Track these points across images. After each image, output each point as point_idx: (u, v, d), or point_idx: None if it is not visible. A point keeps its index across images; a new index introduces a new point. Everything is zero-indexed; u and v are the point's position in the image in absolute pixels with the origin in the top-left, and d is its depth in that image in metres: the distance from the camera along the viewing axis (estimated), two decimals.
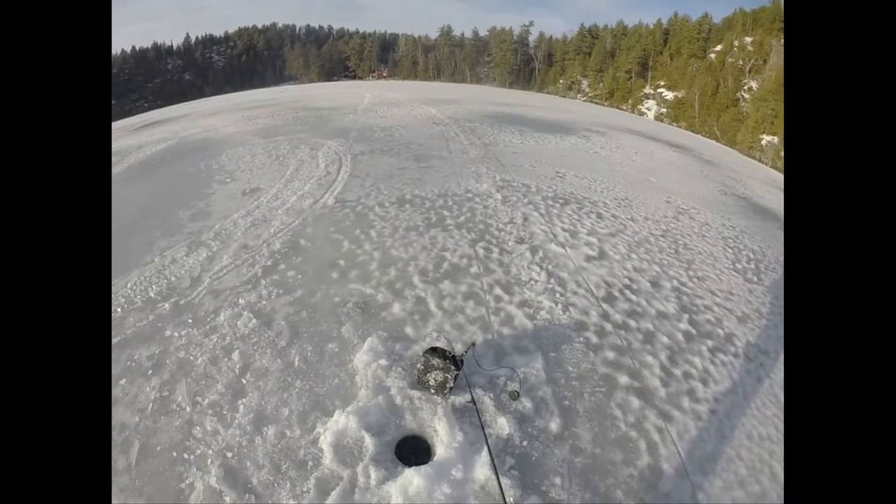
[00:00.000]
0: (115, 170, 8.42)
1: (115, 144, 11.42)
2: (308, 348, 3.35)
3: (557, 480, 2.61)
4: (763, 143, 24.70)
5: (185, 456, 2.61)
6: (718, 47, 36.87)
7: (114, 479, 2.46)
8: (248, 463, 2.59)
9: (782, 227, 8.43)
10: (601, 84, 44.79)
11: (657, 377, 3.49)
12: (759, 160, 19.46)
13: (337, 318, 3.66)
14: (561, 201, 6.82)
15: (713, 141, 22.67)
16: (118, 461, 2.58)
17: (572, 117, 17.68)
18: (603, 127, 16.45)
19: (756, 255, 6.44)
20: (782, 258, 6.65)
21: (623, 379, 3.41)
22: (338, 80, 57.91)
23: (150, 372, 3.12)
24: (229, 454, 2.63)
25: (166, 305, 3.74)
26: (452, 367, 2.90)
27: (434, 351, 2.99)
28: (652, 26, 44.01)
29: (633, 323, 4.08)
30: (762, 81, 28.85)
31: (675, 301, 4.61)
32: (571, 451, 2.77)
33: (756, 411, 3.41)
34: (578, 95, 45.16)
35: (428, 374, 2.95)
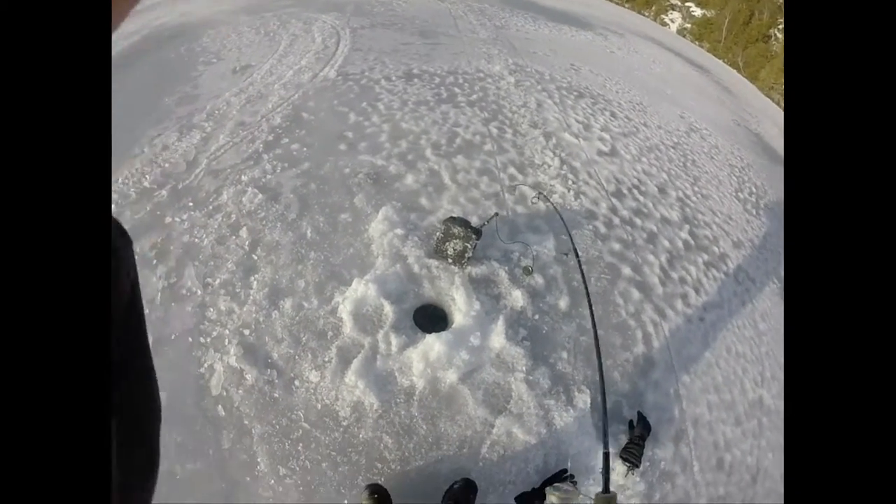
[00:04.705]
0: None
1: None
2: (320, 219, 3.22)
3: (564, 355, 2.77)
4: None
5: (202, 340, 2.52)
6: None
7: None
8: (266, 338, 2.54)
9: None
10: None
11: (656, 276, 3.61)
12: (779, 104, 18.32)
13: (348, 188, 3.51)
14: (575, 94, 6.48)
15: (734, 71, 21.08)
16: None
17: (588, 11, 16.07)
18: (621, 29, 15.10)
19: (758, 191, 6.41)
20: (783, 199, 6.66)
21: (626, 271, 3.51)
22: None
23: (155, 262, 2.89)
24: (246, 332, 2.57)
25: (163, 192, 3.39)
26: (473, 237, 2.88)
27: (454, 220, 2.95)
28: None
29: (639, 221, 4.12)
30: None
31: (678, 210, 4.64)
32: (578, 330, 2.91)
33: (736, 330, 3.63)
34: None
35: (446, 244, 2.93)
